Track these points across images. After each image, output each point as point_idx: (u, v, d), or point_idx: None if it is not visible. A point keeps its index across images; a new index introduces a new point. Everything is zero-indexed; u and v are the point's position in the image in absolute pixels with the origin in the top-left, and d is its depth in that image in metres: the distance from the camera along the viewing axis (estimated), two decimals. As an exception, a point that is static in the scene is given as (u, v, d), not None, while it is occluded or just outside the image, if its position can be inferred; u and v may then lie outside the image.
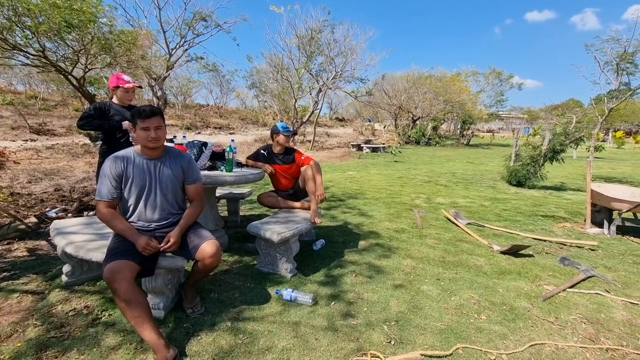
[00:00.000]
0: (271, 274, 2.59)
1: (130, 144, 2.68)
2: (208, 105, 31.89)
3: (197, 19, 12.36)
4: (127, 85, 2.73)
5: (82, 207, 4.11)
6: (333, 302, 2.23)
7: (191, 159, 2.02)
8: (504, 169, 7.71)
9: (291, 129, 3.08)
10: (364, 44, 14.01)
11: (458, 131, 25.09)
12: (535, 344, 1.88)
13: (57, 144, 10.59)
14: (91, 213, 3.92)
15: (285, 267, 2.55)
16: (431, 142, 20.90)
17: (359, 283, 2.52)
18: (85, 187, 5.44)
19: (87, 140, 10.57)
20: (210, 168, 2.67)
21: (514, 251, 3.16)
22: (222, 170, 2.68)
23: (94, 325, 1.90)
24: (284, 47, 13.71)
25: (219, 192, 3.72)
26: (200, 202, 2.03)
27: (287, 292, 2.22)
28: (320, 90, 13.64)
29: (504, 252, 3.16)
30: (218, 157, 2.83)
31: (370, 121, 31.25)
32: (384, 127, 26.80)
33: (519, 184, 7.03)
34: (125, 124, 2.70)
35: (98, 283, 2.36)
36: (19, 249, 2.93)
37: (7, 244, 3.02)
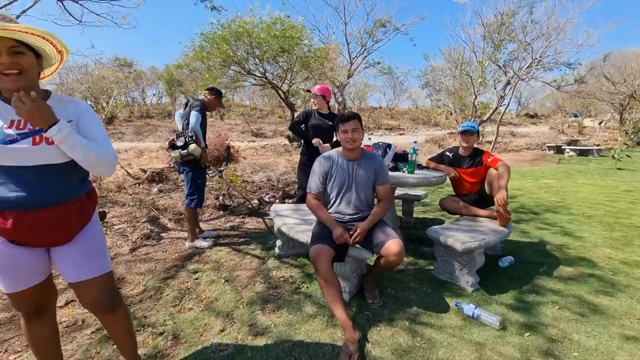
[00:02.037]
0: (449, 283, 2.46)
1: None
2: (380, 107, 33.30)
3: (377, 26, 13.09)
4: (314, 90, 3.22)
5: (285, 196, 5.13)
6: (527, 333, 1.91)
7: (383, 162, 2.17)
8: None
9: (475, 128, 2.82)
10: (577, 20, 11.06)
11: None
12: None
13: (267, 144, 13.62)
14: (290, 201, 4.84)
15: (466, 280, 2.37)
16: (689, 143, 14.40)
17: (565, 319, 2.04)
18: (286, 179, 6.75)
19: (287, 142, 13.07)
20: (393, 169, 2.78)
21: None
22: (403, 172, 2.74)
23: (297, 293, 2.34)
24: (466, 39, 12.63)
25: (395, 192, 3.82)
26: (387, 202, 2.16)
27: (468, 307, 2.05)
28: (508, 83, 11.77)
29: None
30: (399, 159, 2.91)
31: (576, 116, 24.55)
32: (600, 123, 20.44)
33: None
34: (314, 140, 3.16)
35: (299, 259, 2.89)
36: (249, 223, 3.95)
37: (242, 218, 4.13)
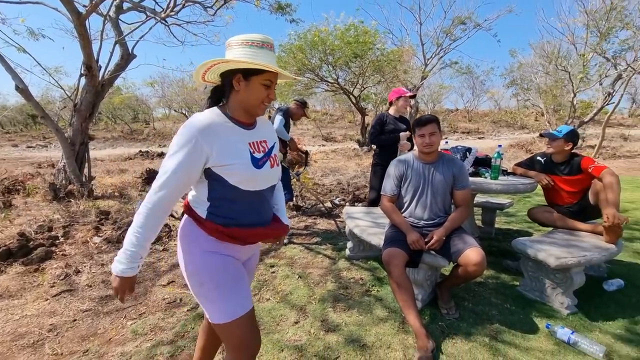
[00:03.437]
0: (538, 302, 2.21)
1: (396, 150, 3.12)
2: (457, 110, 31.20)
3: (456, 24, 12.35)
4: (408, 94, 3.16)
5: (355, 199, 5.16)
6: (643, 371, 1.61)
7: (463, 166, 2.06)
8: None
9: (560, 133, 2.47)
10: None
11: None
12: None
13: (337, 148, 13.84)
14: (360, 204, 4.85)
15: (560, 300, 2.10)
16: None
17: (699, 361, 1.68)
18: (356, 183, 6.78)
19: (356, 146, 13.11)
20: (474, 174, 2.61)
21: None
22: (486, 177, 2.56)
23: (367, 295, 2.35)
24: (564, 30, 11.11)
25: (475, 199, 3.57)
26: (466, 208, 2.04)
27: (563, 332, 1.82)
28: (619, 78, 10.00)
29: None
30: (481, 163, 2.72)
31: None
32: None
33: None
34: (403, 134, 3.08)
35: (369, 262, 2.89)
36: (320, 224, 4.08)
37: (314, 219, 4.28)
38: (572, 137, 2.48)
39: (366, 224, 2.62)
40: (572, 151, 2.52)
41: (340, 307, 2.20)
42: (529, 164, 2.76)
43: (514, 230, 3.82)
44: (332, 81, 9.69)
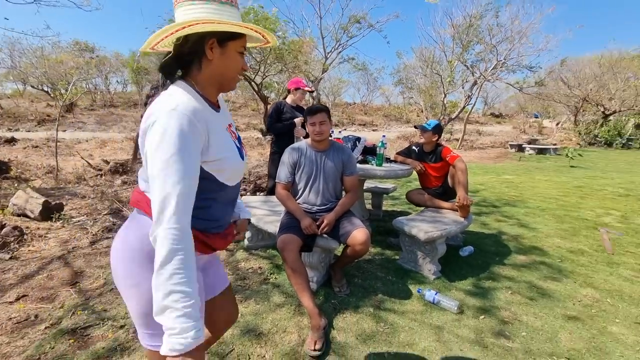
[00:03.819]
0: (413, 271, 2.57)
1: (293, 138, 3.17)
2: (354, 103, 33.57)
3: (352, 22, 13.13)
4: (306, 88, 3.22)
5: (257, 188, 5.08)
6: (482, 316, 2.04)
7: (351, 154, 2.21)
8: None
9: (429, 125, 2.90)
10: (538, 25, 11.75)
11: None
12: None
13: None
14: (261, 194, 4.80)
15: (428, 268, 2.48)
16: (632, 144, 15.74)
17: (516, 302, 2.20)
18: (258, 172, 6.67)
19: (260, 135, 12.89)
20: (362, 162, 2.83)
21: None
22: (372, 164, 2.81)
23: (265, 283, 2.35)
24: (437, 39, 13.02)
25: (365, 185, 3.90)
26: (354, 193, 2.20)
27: (429, 293, 2.16)
28: (475, 83, 12.29)
29: None
30: (369, 152, 2.98)
31: (537, 117, 26.10)
32: (557, 124, 21.88)
33: None
34: (297, 120, 3.15)
35: (267, 250, 2.88)
36: (218, 215, 3.88)
37: (211, 210, 4.05)
38: (438, 129, 2.92)
39: (263, 212, 2.60)
40: (438, 142, 2.97)
41: (236, 299, 2.14)
42: (407, 152, 3.15)
43: (398, 211, 4.33)
44: (232, 66, 9.23)
